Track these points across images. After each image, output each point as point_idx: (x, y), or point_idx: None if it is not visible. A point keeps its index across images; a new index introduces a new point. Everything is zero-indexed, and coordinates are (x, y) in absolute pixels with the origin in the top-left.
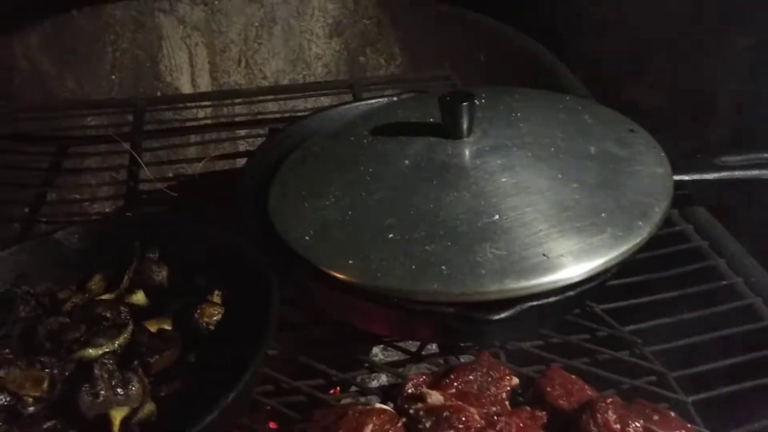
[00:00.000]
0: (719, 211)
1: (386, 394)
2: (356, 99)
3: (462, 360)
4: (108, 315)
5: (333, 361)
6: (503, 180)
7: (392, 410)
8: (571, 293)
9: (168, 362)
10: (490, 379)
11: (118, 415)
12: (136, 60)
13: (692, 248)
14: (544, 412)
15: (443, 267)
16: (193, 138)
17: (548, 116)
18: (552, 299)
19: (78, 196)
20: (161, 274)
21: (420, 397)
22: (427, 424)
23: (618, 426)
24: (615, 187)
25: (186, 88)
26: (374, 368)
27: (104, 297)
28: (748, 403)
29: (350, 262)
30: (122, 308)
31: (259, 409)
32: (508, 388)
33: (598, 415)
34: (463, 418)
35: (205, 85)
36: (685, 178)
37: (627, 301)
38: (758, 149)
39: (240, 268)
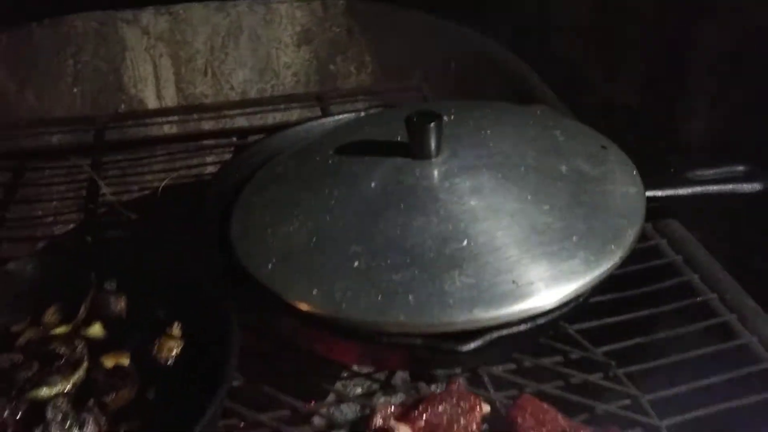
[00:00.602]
0: (694, 224)
1: (354, 426)
2: (324, 113)
3: (433, 387)
4: (63, 351)
5: (300, 391)
6: (472, 203)
7: None
8: (542, 321)
9: (125, 400)
10: (460, 410)
11: None
12: (98, 72)
13: (666, 263)
14: None
15: (410, 297)
16: (158, 153)
17: (518, 133)
18: (522, 327)
19: (40, 214)
20: (119, 305)
21: (387, 430)
22: None
23: None
24: (587, 209)
25: (151, 100)
26: (342, 399)
27: (60, 330)
28: (723, 425)
29: (314, 292)
30: (77, 342)
31: None
32: (479, 419)
33: None
34: None
35: (170, 96)
36: (659, 193)
37: (600, 321)
38: (732, 162)
39: (199, 301)
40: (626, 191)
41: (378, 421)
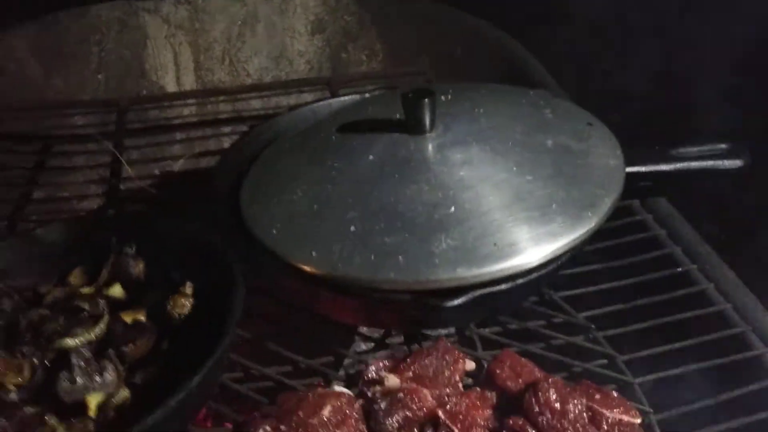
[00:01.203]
0: (681, 202)
1: (351, 380)
2: (332, 96)
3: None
4: (86, 307)
5: (301, 348)
6: (461, 173)
7: (350, 393)
8: (521, 281)
9: (142, 351)
10: (445, 363)
11: (94, 401)
12: (121, 60)
13: (650, 237)
14: (494, 393)
15: (400, 257)
16: (177, 136)
17: (510, 111)
18: (503, 286)
19: (66, 194)
20: (137, 268)
21: (379, 381)
22: (382, 405)
23: (558, 405)
24: (567, 179)
25: (171, 87)
26: (340, 355)
27: (84, 290)
28: (692, 385)
29: (313, 253)
30: (100, 300)
31: (229, 395)
32: (462, 372)
33: (540, 394)
34: (416, 398)
35: (189, 83)
36: (642, 169)
37: (584, 289)
38: (715, 140)
39: (210, 261)
40: (606, 164)
41: (370, 372)
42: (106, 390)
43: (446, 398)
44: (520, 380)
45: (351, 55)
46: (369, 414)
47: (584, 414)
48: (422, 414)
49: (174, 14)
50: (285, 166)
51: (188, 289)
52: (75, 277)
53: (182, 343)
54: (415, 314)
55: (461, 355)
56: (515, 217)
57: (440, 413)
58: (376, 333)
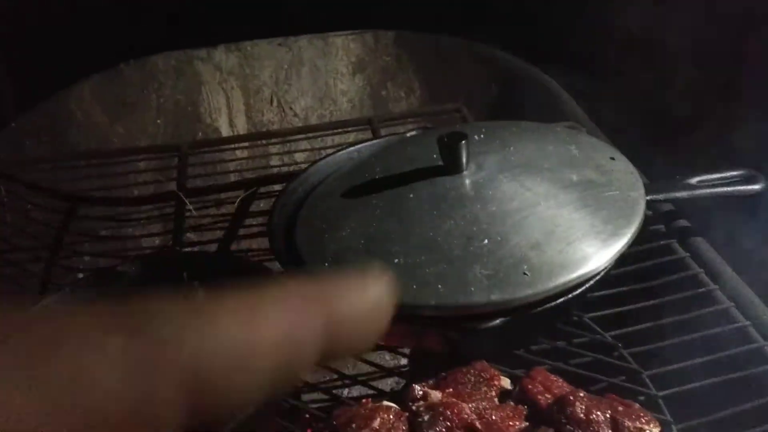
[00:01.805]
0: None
1: (396, 396)
2: (374, 135)
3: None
4: None
5: (352, 368)
6: (493, 209)
7: (397, 408)
8: (549, 305)
9: None
10: (481, 380)
11: None
12: (178, 105)
13: (675, 260)
14: (526, 407)
15: (439, 286)
16: (232, 176)
17: (538, 148)
18: (533, 310)
19: (130, 232)
20: None
21: (422, 397)
22: (426, 418)
23: (583, 416)
24: (592, 211)
25: (224, 128)
26: (387, 373)
27: None
28: (714, 397)
29: None
30: None
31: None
32: (497, 388)
33: (567, 407)
34: (456, 411)
35: (241, 124)
36: (659, 197)
37: (612, 310)
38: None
39: None
40: (628, 195)
41: (416, 389)
42: None
43: (483, 411)
44: (550, 395)
45: (390, 93)
46: (414, 426)
47: (608, 424)
48: (461, 425)
49: (225, 61)
50: (334, 206)
51: None
52: None
53: None
54: (454, 337)
55: (496, 373)
56: (544, 247)
57: (477, 424)
58: (420, 354)
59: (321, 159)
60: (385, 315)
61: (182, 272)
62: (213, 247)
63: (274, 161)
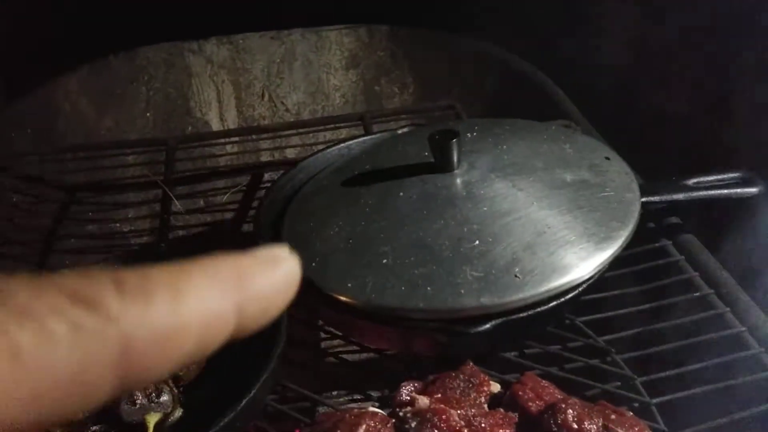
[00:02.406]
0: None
1: (383, 401)
2: (366, 132)
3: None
4: None
5: (337, 372)
6: (485, 209)
7: (384, 413)
8: (542, 309)
9: (195, 374)
10: (471, 385)
11: (152, 420)
12: (168, 98)
13: (670, 263)
14: (516, 414)
15: (428, 288)
16: (222, 170)
17: (531, 147)
18: (523, 314)
19: (118, 227)
20: None
21: (410, 402)
22: (413, 425)
23: (575, 425)
24: (585, 212)
25: (215, 122)
26: (373, 378)
27: None
28: (709, 405)
29: (348, 284)
30: None
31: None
32: (487, 393)
33: (558, 415)
34: (444, 418)
35: (232, 118)
36: (655, 199)
37: (604, 314)
38: (730, 169)
39: None
40: (622, 196)
41: (402, 394)
42: (163, 410)
43: (471, 418)
44: (541, 401)
45: (384, 89)
46: None
47: None
48: None
49: (216, 54)
50: (322, 203)
51: None
52: None
53: (231, 367)
54: (443, 340)
55: (486, 378)
56: (534, 250)
57: (465, 431)
58: (407, 358)
59: (310, 155)
60: (291, 290)
61: None
62: (199, 242)
63: (265, 157)
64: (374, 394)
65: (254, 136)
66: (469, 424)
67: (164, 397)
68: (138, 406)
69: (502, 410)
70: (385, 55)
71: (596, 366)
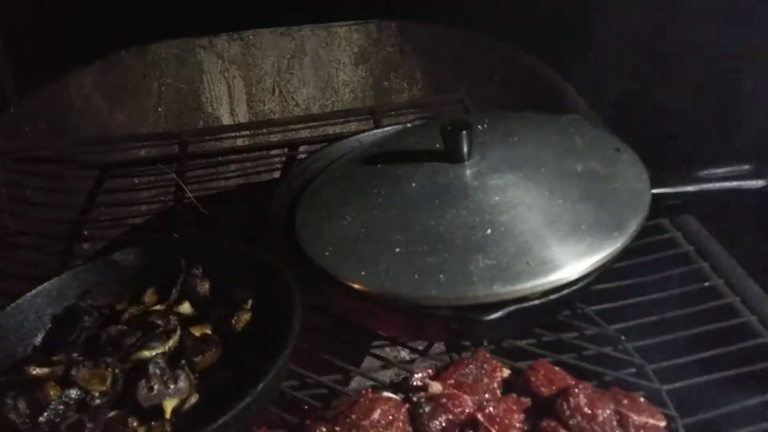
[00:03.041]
0: (710, 220)
1: (396, 387)
2: (376, 125)
3: (463, 356)
4: (160, 323)
5: (352, 358)
6: (497, 198)
7: (397, 398)
8: (553, 296)
9: (210, 361)
10: (483, 371)
11: (169, 405)
12: (179, 93)
13: (680, 253)
14: (528, 399)
15: (441, 275)
16: (233, 165)
17: (542, 139)
18: (536, 302)
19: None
20: (204, 287)
21: (423, 388)
22: (427, 409)
23: (588, 409)
24: (596, 202)
25: (225, 117)
26: (387, 364)
27: (156, 308)
28: (718, 391)
29: (362, 273)
30: (171, 317)
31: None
32: (499, 379)
33: (571, 399)
34: (457, 403)
35: (242, 113)
36: (667, 190)
37: (615, 303)
38: (740, 161)
39: (270, 281)
40: (633, 187)
41: (415, 380)
42: (180, 396)
43: (484, 403)
44: (553, 387)
45: (393, 84)
46: (414, 417)
47: (612, 417)
48: (463, 417)
49: (228, 50)
50: (335, 193)
51: (250, 305)
52: (148, 296)
53: (246, 353)
54: (456, 327)
55: (498, 364)
56: (547, 238)
57: (479, 416)
58: (421, 345)
59: (321, 148)
60: None
61: (180, 259)
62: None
63: (275, 151)
64: (389, 381)
65: (265, 130)
66: (481, 409)
67: (181, 383)
68: (155, 391)
69: (514, 395)
70: (394, 50)
71: (607, 354)
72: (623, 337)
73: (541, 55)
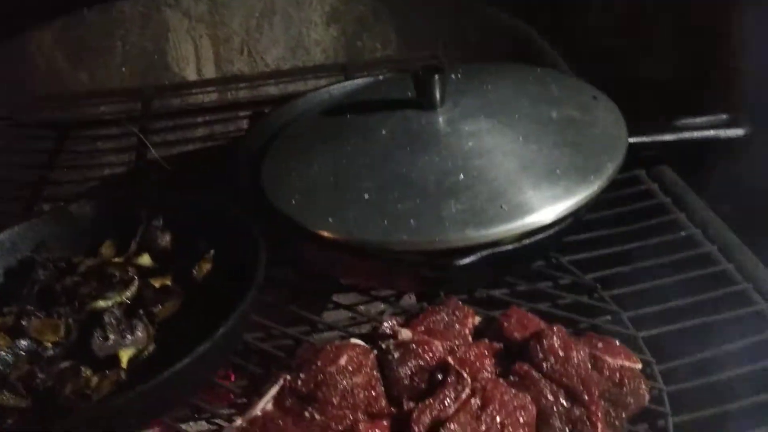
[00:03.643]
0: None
1: (366, 338)
2: (347, 80)
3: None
4: (117, 274)
5: (318, 311)
6: (470, 144)
7: (365, 345)
8: (527, 241)
9: (170, 311)
10: (455, 318)
11: (125, 355)
12: (144, 52)
13: (656, 204)
14: (501, 344)
15: (412, 221)
16: (199, 120)
17: (517, 87)
18: (510, 246)
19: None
20: (165, 239)
21: (393, 335)
22: (396, 355)
23: (561, 351)
24: (572, 147)
25: (192, 78)
26: (357, 316)
27: (115, 260)
28: (693, 338)
29: (330, 220)
30: (129, 268)
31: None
32: (471, 326)
33: (544, 341)
34: (428, 349)
35: (210, 74)
36: (645, 139)
37: (591, 253)
38: (717, 111)
39: (234, 231)
40: (610, 133)
41: (385, 327)
42: (137, 346)
43: (456, 348)
44: (527, 332)
45: (366, 44)
46: (383, 363)
47: (587, 360)
48: (433, 363)
49: (194, 8)
50: (303, 143)
51: (211, 255)
52: (106, 249)
53: (208, 305)
54: (427, 274)
55: (470, 311)
56: (521, 182)
57: (450, 360)
58: (392, 295)
59: (291, 99)
60: None
61: (140, 211)
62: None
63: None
64: (358, 331)
65: (232, 87)
66: (452, 353)
67: (138, 333)
68: (111, 341)
69: (486, 341)
70: (367, 9)
71: (582, 302)
72: (599, 286)
73: (517, 14)
